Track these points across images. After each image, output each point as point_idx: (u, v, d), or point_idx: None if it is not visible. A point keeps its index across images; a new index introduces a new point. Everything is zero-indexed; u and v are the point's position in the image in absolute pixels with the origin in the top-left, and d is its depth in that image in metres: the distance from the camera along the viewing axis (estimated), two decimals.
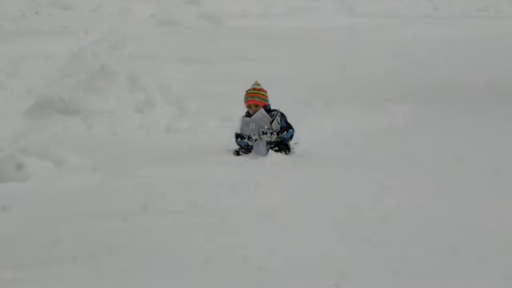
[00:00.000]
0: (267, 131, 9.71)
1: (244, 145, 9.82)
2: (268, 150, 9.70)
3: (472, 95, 12.95)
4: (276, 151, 9.71)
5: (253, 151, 9.76)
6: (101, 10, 20.22)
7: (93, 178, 8.76)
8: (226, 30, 18.05)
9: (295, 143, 10.01)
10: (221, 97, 12.53)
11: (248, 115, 9.90)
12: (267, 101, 9.94)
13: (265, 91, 9.97)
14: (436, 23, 18.44)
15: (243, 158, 9.68)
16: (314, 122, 11.41)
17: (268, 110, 9.89)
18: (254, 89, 9.96)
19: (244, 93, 10.01)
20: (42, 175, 8.98)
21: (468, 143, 10.07)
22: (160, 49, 15.75)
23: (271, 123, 9.77)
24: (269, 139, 9.71)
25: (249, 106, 9.92)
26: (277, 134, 9.73)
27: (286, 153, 9.75)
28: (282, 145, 9.76)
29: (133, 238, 6.62)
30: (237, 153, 9.83)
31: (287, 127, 9.81)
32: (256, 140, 9.74)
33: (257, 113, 9.81)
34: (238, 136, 9.85)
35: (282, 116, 9.87)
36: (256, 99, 9.87)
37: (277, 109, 9.93)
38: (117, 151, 10.46)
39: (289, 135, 9.81)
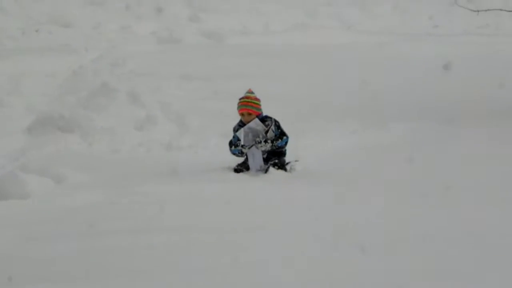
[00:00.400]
0: (261, 140, 9.69)
1: (238, 153, 9.80)
2: (268, 166, 9.68)
3: (472, 112, 12.95)
4: (277, 168, 9.70)
5: (249, 165, 9.73)
6: (101, 28, 20.29)
7: (93, 196, 8.75)
8: (226, 47, 18.07)
9: (296, 160, 10.01)
10: (222, 114, 12.52)
11: (242, 123, 9.88)
12: (260, 109, 9.90)
13: (258, 99, 9.90)
14: (436, 41, 18.46)
15: (244, 175, 9.67)
16: (315, 138, 11.42)
17: (262, 118, 9.86)
18: (247, 97, 9.89)
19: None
20: (43, 193, 8.97)
21: (468, 160, 10.08)
22: (160, 67, 15.78)
23: (266, 132, 9.75)
24: (264, 149, 9.70)
25: (242, 115, 9.89)
26: (272, 142, 9.71)
27: (286, 170, 9.75)
28: (280, 160, 9.75)
29: (132, 255, 6.60)
30: (237, 170, 9.81)
31: (281, 134, 9.79)
32: (250, 147, 9.71)
33: (252, 122, 9.77)
34: (231, 144, 9.84)
35: (276, 123, 9.85)
36: (249, 107, 9.83)
37: (270, 116, 9.91)
38: (118, 168, 10.46)
39: (284, 143, 9.80)
